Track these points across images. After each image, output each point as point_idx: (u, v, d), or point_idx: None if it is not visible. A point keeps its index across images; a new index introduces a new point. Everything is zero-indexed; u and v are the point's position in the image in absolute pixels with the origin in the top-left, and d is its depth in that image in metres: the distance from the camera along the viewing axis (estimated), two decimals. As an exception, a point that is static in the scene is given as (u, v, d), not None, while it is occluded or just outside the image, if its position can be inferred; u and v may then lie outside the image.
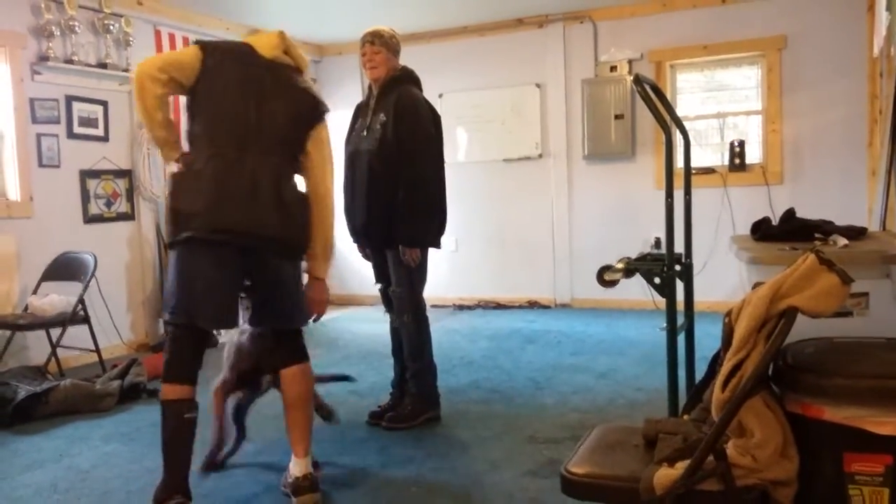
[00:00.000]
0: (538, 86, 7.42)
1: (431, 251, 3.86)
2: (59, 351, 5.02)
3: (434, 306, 3.96)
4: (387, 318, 4.03)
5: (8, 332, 4.95)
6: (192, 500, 2.77)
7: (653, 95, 3.13)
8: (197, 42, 2.89)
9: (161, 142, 2.88)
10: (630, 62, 6.99)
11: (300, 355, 2.97)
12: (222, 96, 2.79)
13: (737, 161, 6.66)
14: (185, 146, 2.89)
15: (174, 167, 2.91)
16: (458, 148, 7.74)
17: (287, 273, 2.91)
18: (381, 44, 3.73)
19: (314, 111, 2.97)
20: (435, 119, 3.82)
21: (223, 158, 2.73)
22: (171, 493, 2.69)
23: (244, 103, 2.79)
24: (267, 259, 2.82)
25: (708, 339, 3.48)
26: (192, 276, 2.72)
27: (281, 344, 2.98)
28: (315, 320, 3.12)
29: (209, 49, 2.84)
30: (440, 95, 7.54)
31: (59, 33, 5.52)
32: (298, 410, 2.93)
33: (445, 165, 3.91)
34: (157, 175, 6.24)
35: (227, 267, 2.75)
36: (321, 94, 3.12)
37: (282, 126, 2.85)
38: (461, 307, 7.64)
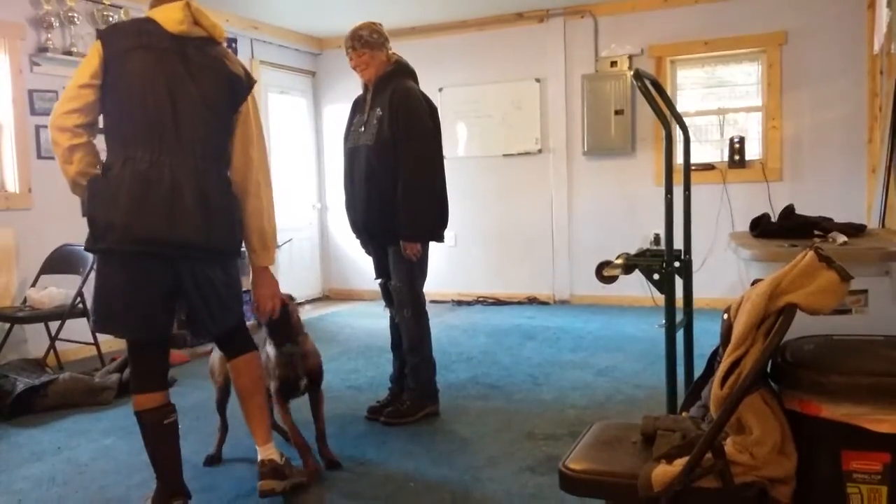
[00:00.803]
0: (538, 80, 7.41)
1: (432, 246, 3.85)
2: (58, 344, 5.02)
3: (433, 302, 3.96)
4: (386, 313, 4.03)
5: (7, 325, 4.94)
6: (192, 496, 2.78)
7: (653, 91, 3.12)
8: (97, 32, 2.72)
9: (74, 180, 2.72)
10: (630, 57, 6.98)
11: (247, 345, 2.90)
12: (130, 91, 2.56)
13: (736, 157, 6.66)
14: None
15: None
16: (457, 142, 7.73)
17: (217, 278, 2.73)
18: (362, 46, 3.70)
19: (237, 87, 2.75)
20: (432, 111, 3.80)
21: (139, 162, 2.53)
22: (170, 497, 2.68)
23: (156, 97, 2.57)
24: (193, 267, 2.65)
25: (707, 335, 3.48)
26: (111, 287, 2.59)
27: (227, 338, 2.89)
28: (273, 318, 3.00)
29: (106, 38, 2.60)
30: (440, 89, 7.53)
31: (58, 24, 5.51)
32: (252, 398, 2.86)
33: (445, 160, 3.90)
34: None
35: (149, 277, 2.59)
36: (244, 65, 2.87)
37: (202, 118, 2.64)
38: (460, 303, 7.64)
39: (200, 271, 2.67)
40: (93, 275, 4.98)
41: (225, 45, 2.83)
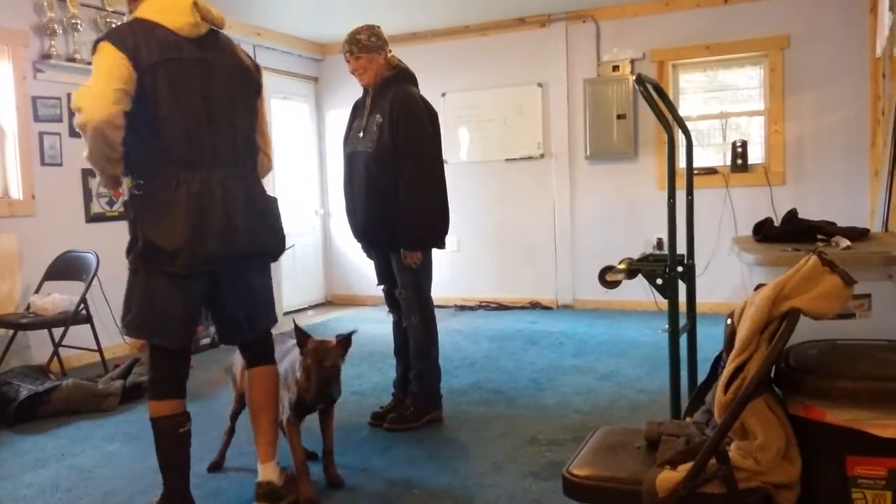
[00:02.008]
0: (540, 85, 7.42)
1: (435, 251, 3.85)
2: (62, 350, 5.03)
3: (436, 307, 3.95)
4: (390, 318, 4.02)
5: (10, 332, 4.95)
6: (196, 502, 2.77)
7: (655, 95, 3.12)
8: (106, 40, 2.49)
9: (114, 179, 2.71)
10: (632, 62, 6.99)
11: (268, 358, 2.92)
12: (171, 111, 2.52)
13: (739, 161, 6.66)
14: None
15: (125, 185, 2.74)
16: (459, 147, 7.74)
17: (255, 282, 2.81)
18: (360, 50, 3.68)
19: (251, 80, 2.77)
20: (432, 117, 3.79)
21: (192, 184, 2.55)
22: None
23: (196, 115, 2.57)
24: (235, 272, 2.71)
25: (710, 340, 3.48)
26: (155, 298, 2.61)
27: (252, 346, 2.90)
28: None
29: (128, 48, 2.46)
30: (442, 94, 7.54)
31: (61, 31, 5.52)
32: (264, 412, 2.86)
33: (447, 165, 3.90)
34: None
35: (193, 288, 2.64)
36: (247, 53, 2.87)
37: (237, 124, 2.69)
38: (463, 308, 7.64)
39: (242, 276, 2.74)
40: (96, 281, 5.05)
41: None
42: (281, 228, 2.87)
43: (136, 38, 2.49)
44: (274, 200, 2.86)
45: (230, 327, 2.83)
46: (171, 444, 2.66)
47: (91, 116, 2.43)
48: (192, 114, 2.57)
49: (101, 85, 2.44)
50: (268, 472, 2.83)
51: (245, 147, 2.75)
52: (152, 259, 2.57)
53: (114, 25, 5.81)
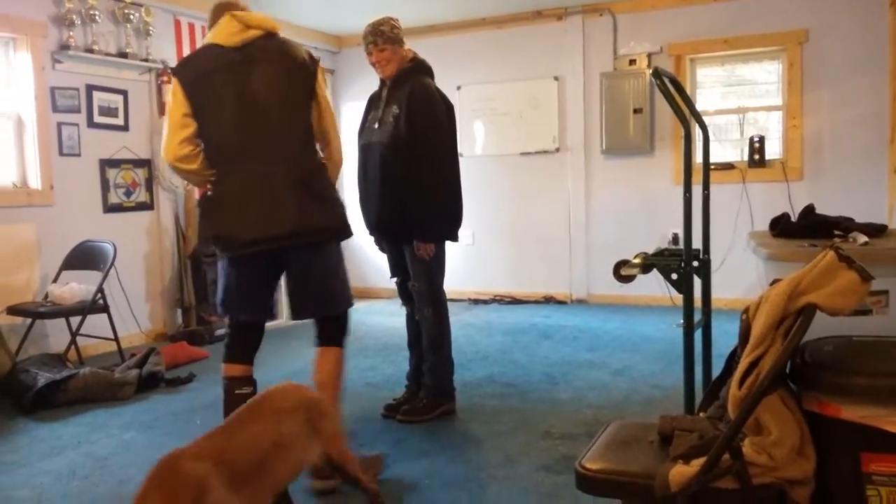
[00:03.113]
0: (556, 79, 7.39)
1: (449, 244, 3.84)
2: (79, 339, 5.08)
3: (449, 300, 3.95)
4: (403, 310, 4.03)
5: (28, 320, 5.00)
6: None
7: (672, 89, 3.11)
8: (174, 75, 2.90)
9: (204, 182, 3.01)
10: (649, 56, 6.95)
11: (337, 340, 3.07)
12: (217, 110, 2.81)
13: (756, 157, 6.61)
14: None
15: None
16: (475, 141, 7.73)
17: (325, 261, 2.99)
18: (384, 42, 3.67)
19: (304, 70, 2.93)
20: (448, 109, 3.78)
21: (237, 173, 2.84)
22: None
23: (240, 109, 2.81)
24: (298, 253, 2.92)
25: (725, 336, 3.46)
26: (233, 281, 2.95)
27: (323, 325, 3.07)
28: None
29: (181, 73, 2.87)
30: (458, 88, 7.53)
31: (79, 22, 5.56)
32: (326, 391, 2.97)
33: (462, 159, 3.89)
34: (175, 165, 6.26)
35: (262, 269, 2.94)
36: (307, 48, 3.06)
37: (283, 111, 2.87)
38: (477, 301, 7.64)
39: (306, 257, 2.93)
40: (113, 271, 5.09)
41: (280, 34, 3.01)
42: (339, 209, 3.02)
43: (191, 59, 2.95)
44: (331, 185, 3.06)
45: (297, 305, 3.05)
46: (230, 402, 2.89)
47: (169, 162, 2.88)
48: (236, 113, 2.80)
49: (170, 133, 2.84)
50: None
51: (300, 137, 2.93)
52: (217, 245, 2.94)
53: (131, 17, 5.85)
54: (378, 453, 3.29)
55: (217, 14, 2.93)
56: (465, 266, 7.47)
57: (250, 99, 2.81)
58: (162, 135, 2.95)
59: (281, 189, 2.82)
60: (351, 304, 3.11)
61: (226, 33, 2.84)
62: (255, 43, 2.86)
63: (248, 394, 2.89)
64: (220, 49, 2.84)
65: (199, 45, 6.57)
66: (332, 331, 3.06)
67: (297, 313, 3.09)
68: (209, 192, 2.95)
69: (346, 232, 3.03)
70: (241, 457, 2.12)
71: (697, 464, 1.73)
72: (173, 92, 2.84)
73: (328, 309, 3.03)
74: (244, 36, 2.85)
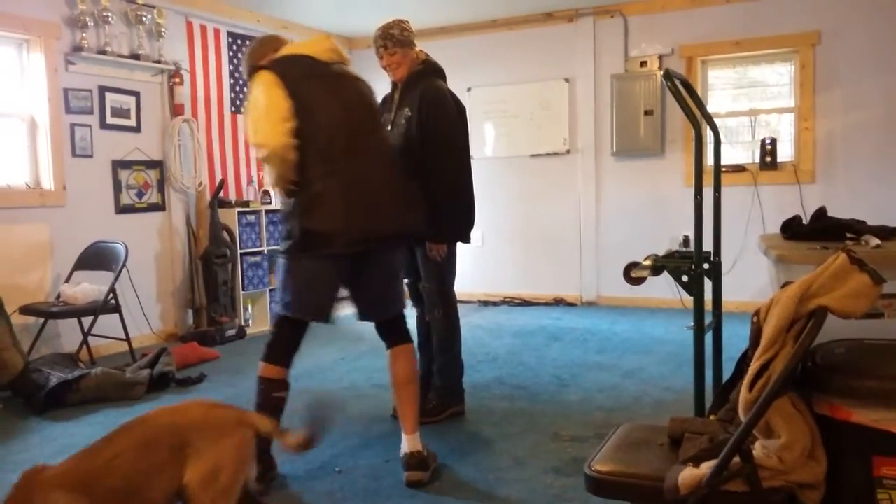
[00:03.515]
0: (567, 80, 7.39)
1: (459, 246, 3.85)
2: (91, 339, 5.11)
3: (459, 302, 3.96)
4: (414, 312, 4.03)
5: (41, 320, 5.04)
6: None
7: (683, 91, 3.10)
8: (262, 69, 2.89)
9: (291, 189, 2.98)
10: (661, 57, 6.94)
11: (406, 337, 3.19)
12: (318, 111, 2.88)
13: (768, 159, 6.58)
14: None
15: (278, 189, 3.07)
16: (485, 142, 7.73)
17: (397, 263, 3.16)
18: (394, 45, 3.68)
19: (373, 95, 3.19)
20: (460, 112, 3.79)
21: (343, 174, 2.87)
22: (268, 471, 2.97)
23: (342, 113, 2.91)
24: (380, 257, 3.03)
25: (736, 339, 3.45)
26: (313, 283, 2.96)
27: (389, 327, 3.17)
28: None
29: (279, 72, 2.88)
30: (468, 89, 7.54)
31: (92, 24, 5.59)
32: (404, 388, 3.14)
33: (472, 160, 3.89)
34: (187, 167, 6.30)
35: (341, 272, 2.98)
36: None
37: (374, 120, 3.08)
38: (486, 303, 7.64)
39: (385, 258, 3.05)
40: (125, 272, 5.11)
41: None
42: (423, 213, 3.15)
43: (286, 65, 2.94)
44: (418, 188, 3.17)
45: (371, 307, 3.13)
46: (267, 403, 2.94)
47: (272, 149, 2.83)
48: (338, 115, 2.91)
49: (273, 122, 2.82)
50: (414, 443, 3.10)
51: (386, 140, 3.13)
52: (308, 245, 2.88)
53: (144, 18, 5.87)
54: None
55: (268, 46, 3.07)
56: (474, 268, 7.47)
57: (350, 105, 2.96)
58: (248, 124, 2.95)
59: (383, 191, 2.96)
60: (405, 304, 3.28)
61: (320, 49, 3.02)
62: (339, 64, 3.07)
63: (283, 398, 2.99)
64: (313, 60, 2.97)
65: (211, 48, 6.64)
66: (402, 329, 3.19)
67: (372, 314, 3.15)
68: (307, 188, 2.88)
69: (425, 235, 3.27)
70: (107, 482, 2.00)
71: (707, 467, 1.73)
72: (269, 84, 2.84)
73: (398, 309, 3.18)
74: (332, 56, 3.04)
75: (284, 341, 3.06)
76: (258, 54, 3.06)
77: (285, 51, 3.03)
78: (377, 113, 3.16)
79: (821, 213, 2.92)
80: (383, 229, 2.95)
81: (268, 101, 2.83)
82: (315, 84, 2.92)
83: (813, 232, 2.75)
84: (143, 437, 2.13)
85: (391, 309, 3.16)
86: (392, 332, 3.19)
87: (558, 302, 7.47)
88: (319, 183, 2.86)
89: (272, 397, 2.97)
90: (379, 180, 2.96)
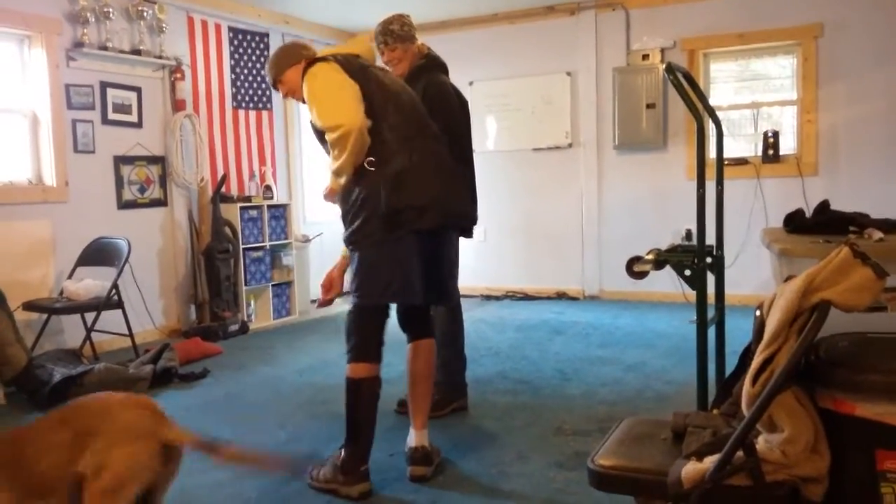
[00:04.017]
0: (569, 74, 7.38)
1: (461, 241, 3.83)
2: (94, 335, 5.12)
3: (461, 296, 3.95)
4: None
5: (44, 316, 5.04)
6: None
7: (685, 84, 3.09)
8: (319, 61, 2.88)
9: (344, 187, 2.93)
10: (662, 51, 6.92)
11: (430, 330, 3.20)
12: (383, 96, 2.87)
13: (770, 152, 6.57)
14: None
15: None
16: (486, 136, 7.72)
17: (454, 250, 3.21)
18: (394, 41, 3.68)
19: None
20: (463, 106, 3.78)
21: (420, 153, 2.86)
22: (361, 462, 2.93)
23: (400, 100, 2.93)
24: (450, 237, 3.10)
25: (738, 332, 3.45)
26: (405, 264, 2.88)
27: (418, 319, 3.16)
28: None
29: (343, 64, 2.87)
30: (470, 83, 7.53)
31: (93, 20, 5.59)
32: (421, 383, 3.14)
33: (474, 154, 3.88)
34: (189, 162, 6.30)
35: (425, 251, 2.94)
36: None
37: (423, 108, 3.09)
38: (489, 297, 7.64)
39: (453, 242, 3.14)
40: (127, 267, 5.12)
41: None
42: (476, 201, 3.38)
43: (341, 57, 2.93)
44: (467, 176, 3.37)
45: (442, 288, 3.10)
46: (369, 403, 2.94)
47: (352, 126, 2.73)
48: (400, 103, 2.91)
49: (348, 101, 2.78)
50: (421, 438, 3.10)
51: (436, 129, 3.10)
52: (396, 224, 2.80)
53: (145, 14, 5.86)
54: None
55: (298, 47, 3.09)
56: (477, 262, 7.47)
57: (407, 91, 3.05)
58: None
59: (454, 170, 3.04)
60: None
61: (365, 48, 3.09)
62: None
63: (379, 395, 2.99)
64: (364, 61, 3.00)
65: (212, 42, 6.63)
66: (429, 322, 3.20)
67: (440, 297, 3.14)
68: (385, 166, 2.80)
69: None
70: (27, 471, 2.01)
71: (711, 461, 1.73)
72: (335, 70, 2.82)
73: (455, 296, 3.27)
74: (374, 59, 3.12)
75: (371, 335, 2.98)
76: (292, 56, 3.03)
77: (332, 51, 3.03)
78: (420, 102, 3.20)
79: (824, 206, 2.92)
80: (459, 208, 3.03)
81: (339, 84, 2.81)
82: (373, 73, 2.94)
83: (816, 225, 2.75)
84: (62, 414, 2.16)
85: (455, 292, 3.21)
86: (419, 324, 3.17)
87: (561, 296, 7.47)
88: (399, 160, 2.81)
89: (375, 394, 2.95)
90: (447, 160, 3.01)
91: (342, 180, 2.85)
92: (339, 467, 2.92)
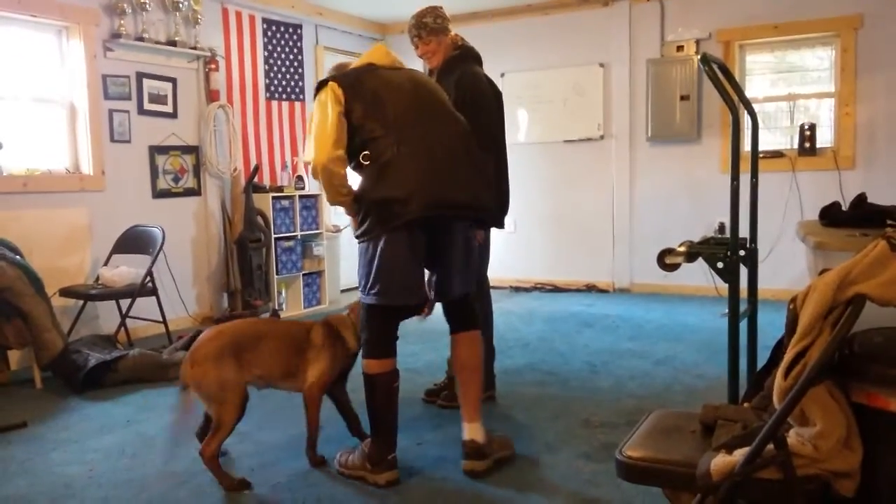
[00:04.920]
0: (602, 65, 7.32)
1: (493, 231, 3.83)
2: (128, 321, 5.21)
3: (491, 287, 3.96)
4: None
5: (80, 302, 5.14)
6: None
7: (721, 76, 3.06)
8: (328, 82, 2.92)
9: (346, 200, 2.95)
10: (697, 42, 6.84)
11: (475, 322, 3.15)
12: (382, 98, 2.88)
13: (807, 145, 6.47)
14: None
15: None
16: (518, 128, 7.69)
17: (470, 241, 3.10)
18: (428, 34, 3.67)
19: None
20: (496, 97, 3.76)
21: (412, 143, 2.83)
22: (388, 451, 2.94)
23: (398, 95, 2.91)
24: (453, 229, 2.98)
25: (771, 327, 3.41)
26: (399, 262, 2.85)
27: (457, 309, 3.12)
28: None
29: (339, 79, 2.91)
30: (502, 75, 7.49)
31: (130, 11, 5.66)
32: (471, 373, 3.08)
33: (506, 146, 3.87)
34: (222, 152, 6.37)
35: (422, 244, 2.89)
36: None
37: (437, 98, 3.04)
38: (518, 289, 7.63)
39: (460, 231, 3.01)
40: (162, 255, 5.19)
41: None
42: (492, 190, 3.17)
43: (351, 71, 3.02)
44: (491, 167, 3.29)
45: (449, 281, 3.05)
46: (388, 397, 2.95)
47: (317, 163, 2.84)
48: (398, 98, 2.90)
49: (321, 138, 2.84)
50: (473, 432, 3.03)
51: (456, 115, 3.06)
52: (386, 217, 2.81)
53: (180, 5, 5.93)
54: (503, 435, 3.26)
55: (340, 69, 3.15)
56: (507, 253, 7.45)
57: (416, 84, 3.00)
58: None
59: (454, 159, 2.90)
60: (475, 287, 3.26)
61: (378, 56, 3.08)
62: (397, 64, 3.13)
63: (398, 386, 2.99)
64: (376, 67, 3.02)
65: (246, 34, 6.68)
66: (472, 312, 3.16)
67: (450, 289, 3.07)
68: (375, 160, 2.85)
69: (496, 221, 3.38)
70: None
71: (741, 454, 1.72)
72: (323, 104, 2.86)
73: (472, 289, 3.17)
74: (389, 59, 3.08)
75: (380, 331, 2.97)
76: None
77: (355, 64, 3.12)
78: (440, 91, 3.12)
79: (860, 199, 2.86)
80: (456, 197, 2.88)
81: (321, 120, 2.86)
82: (377, 76, 2.95)
83: (852, 218, 2.71)
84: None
85: (469, 283, 3.11)
86: (463, 315, 3.13)
87: (590, 288, 7.44)
88: (388, 153, 2.82)
89: (392, 388, 2.95)
90: (449, 148, 2.91)
91: (340, 209, 2.97)
92: (367, 455, 2.95)
